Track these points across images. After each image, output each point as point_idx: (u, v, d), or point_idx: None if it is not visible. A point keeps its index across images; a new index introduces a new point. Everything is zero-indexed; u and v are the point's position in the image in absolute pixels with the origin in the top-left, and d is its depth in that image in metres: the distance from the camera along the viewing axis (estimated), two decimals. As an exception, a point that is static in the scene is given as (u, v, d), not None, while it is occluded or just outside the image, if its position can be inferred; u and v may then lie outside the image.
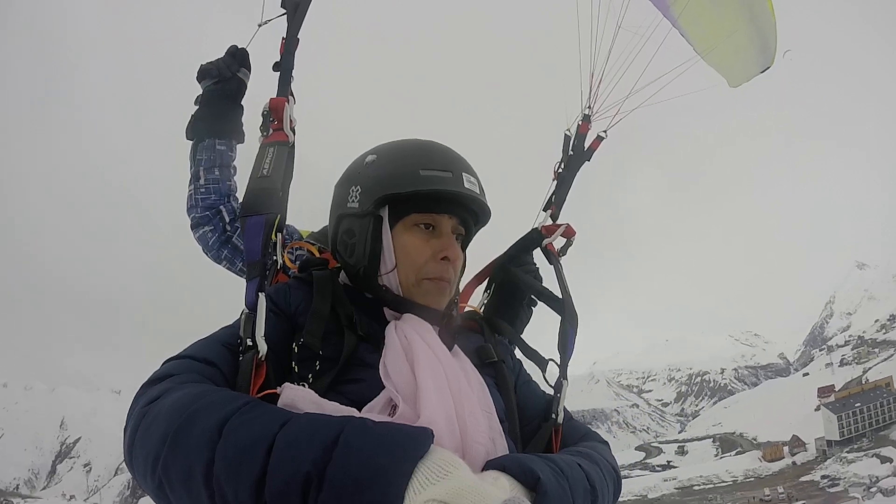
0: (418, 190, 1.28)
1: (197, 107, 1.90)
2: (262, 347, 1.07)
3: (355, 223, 1.34)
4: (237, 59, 1.86)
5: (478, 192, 1.35)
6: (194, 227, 1.92)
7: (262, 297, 1.10)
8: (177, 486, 0.85)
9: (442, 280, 1.32)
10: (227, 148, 1.92)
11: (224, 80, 1.85)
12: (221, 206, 1.90)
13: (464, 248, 1.47)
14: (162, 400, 0.95)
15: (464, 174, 1.34)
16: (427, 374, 1.10)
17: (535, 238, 1.82)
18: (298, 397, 1.02)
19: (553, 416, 1.39)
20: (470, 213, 1.40)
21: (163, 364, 1.09)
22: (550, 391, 1.47)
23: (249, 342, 1.08)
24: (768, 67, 2.64)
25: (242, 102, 1.93)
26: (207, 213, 1.90)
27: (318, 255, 1.63)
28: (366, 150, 1.43)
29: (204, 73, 1.87)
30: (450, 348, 1.27)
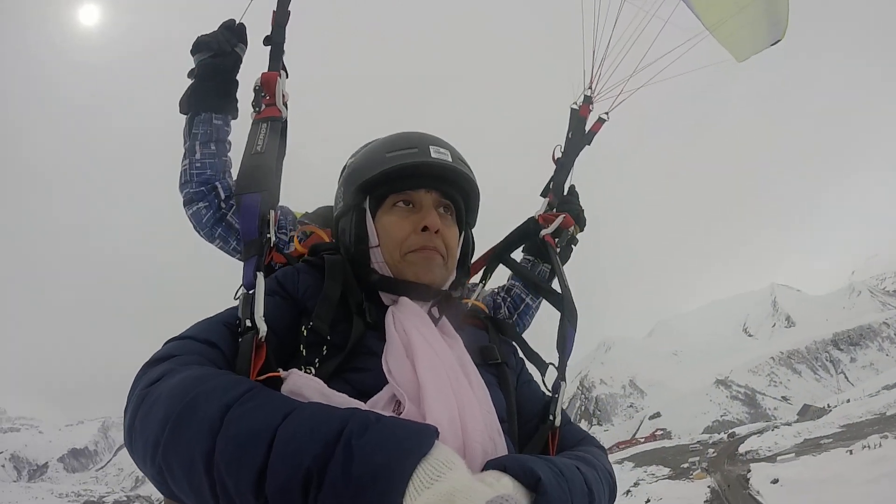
0: (385, 170, 1.30)
1: (192, 80, 1.83)
2: (262, 328, 1.05)
3: (344, 220, 1.38)
4: (235, 34, 1.82)
5: (449, 160, 1.33)
6: (187, 203, 1.82)
7: (260, 276, 1.09)
8: (178, 474, 0.84)
9: (425, 248, 1.30)
10: (224, 123, 1.85)
11: (221, 54, 1.79)
12: (217, 183, 1.80)
13: (461, 226, 1.43)
14: (162, 382, 0.93)
15: (431, 146, 1.33)
16: (428, 374, 1.08)
17: (531, 228, 1.83)
18: (305, 385, 1.00)
19: (551, 417, 1.37)
20: (453, 186, 1.38)
21: (164, 344, 1.07)
22: (549, 393, 1.43)
23: (248, 323, 1.06)
24: (779, 40, 2.50)
25: (237, 77, 1.86)
26: (202, 188, 1.80)
27: (328, 239, 1.62)
28: None
29: (200, 46, 1.80)
30: (437, 324, 1.29)
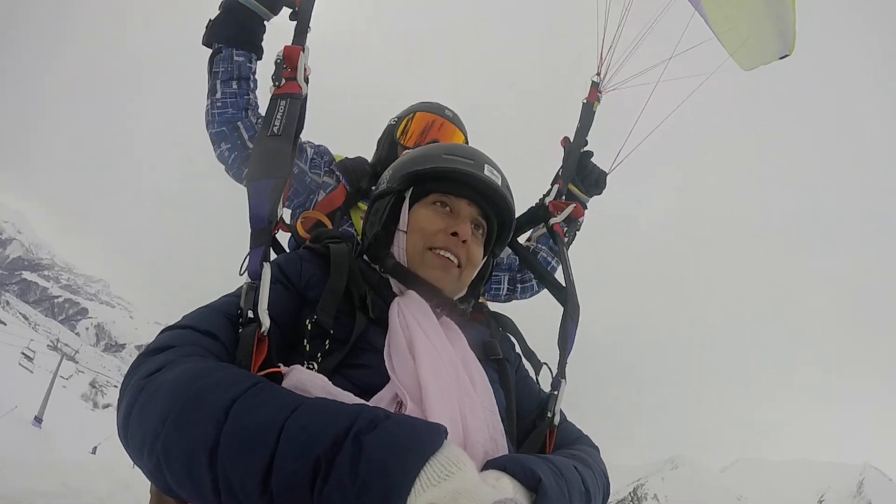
0: (437, 167, 1.32)
1: (219, 12, 1.75)
2: (265, 322, 1.02)
3: (382, 201, 1.38)
4: None
5: (499, 183, 1.36)
6: (213, 144, 1.81)
7: (267, 266, 1.06)
8: (177, 469, 0.81)
9: (448, 251, 1.30)
10: (246, 59, 1.77)
11: None
12: (239, 122, 1.77)
13: (486, 247, 1.44)
14: (163, 373, 0.89)
15: (486, 165, 1.35)
16: (430, 373, 1.07)
17: (541, 213, 1.80)
18: (309, 381, 0.97)
19: (549, 415, 1.36)
20: (492, 207, 1.40)
21: (160, 333, 1.02)
22: (544, 390, 1.44)
23: (251, 314, 1.02)
24: (787, 55, 2.49)
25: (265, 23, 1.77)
26: (224, 128, 1.76)
27: (331, 226, 1.60)
28: None
29: None
30: (440, 318, 1.27)
